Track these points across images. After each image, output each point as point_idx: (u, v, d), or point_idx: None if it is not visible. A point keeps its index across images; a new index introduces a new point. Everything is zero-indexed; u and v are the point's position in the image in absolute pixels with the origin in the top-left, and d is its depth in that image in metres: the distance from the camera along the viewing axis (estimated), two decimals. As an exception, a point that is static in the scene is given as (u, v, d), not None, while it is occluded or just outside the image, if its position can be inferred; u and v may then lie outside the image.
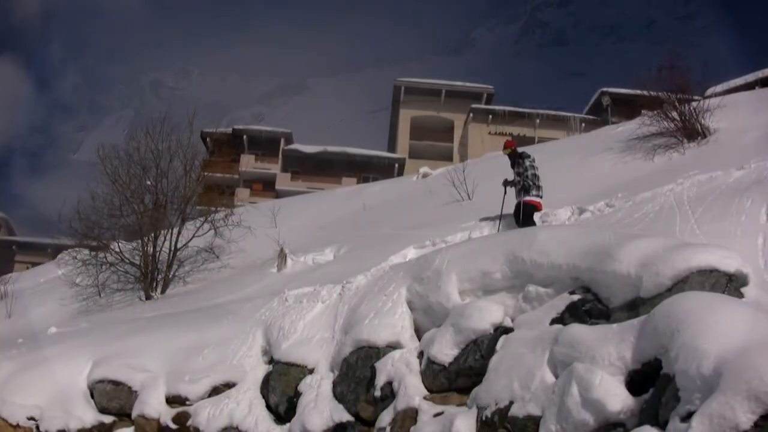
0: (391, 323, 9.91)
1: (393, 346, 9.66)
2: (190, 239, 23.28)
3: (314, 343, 10.71)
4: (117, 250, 22.70)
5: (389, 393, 9.13)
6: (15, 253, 70.03)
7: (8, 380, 11.57)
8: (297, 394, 10.02)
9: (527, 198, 15.26)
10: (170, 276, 22.26)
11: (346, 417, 9.44)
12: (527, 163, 15.62)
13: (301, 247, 19.87)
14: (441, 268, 10.02)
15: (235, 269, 21.56)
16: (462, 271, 9.74)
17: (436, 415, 8.35)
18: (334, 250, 18.50)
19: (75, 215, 22.91)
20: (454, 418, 7.92)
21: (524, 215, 14.93)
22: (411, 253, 14.55)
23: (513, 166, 16.04)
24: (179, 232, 23.33)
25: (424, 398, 8.75)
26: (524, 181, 15.41)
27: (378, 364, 9.49)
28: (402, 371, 9.16)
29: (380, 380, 9.29)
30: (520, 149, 16.55)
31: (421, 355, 9.27)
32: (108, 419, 11.10)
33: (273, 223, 25.50)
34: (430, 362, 8.91)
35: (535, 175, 15.49)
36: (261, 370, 10.90)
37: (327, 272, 15.18)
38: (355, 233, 20.63)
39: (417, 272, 10.44)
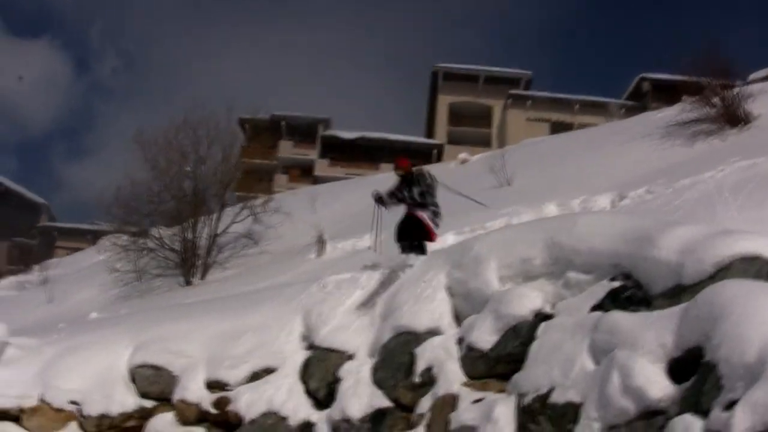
0: (430, 309, 9.89)
1: (432, 332, 9.63)
2: (229, 225, 23.51)
3: (353, 329, 10.72)
4: (157, 236, 22.96)
5: (428, 379, 9.13)
6: (56, 239, 70.97)
7: (50, 365, 11.71)
8: (336, 380, 10.04)
9: (432, 225, 13.35)
10: (209, 262, 22.48)
11: (385, 403, 9.44)
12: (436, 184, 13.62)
13: (339, 233, 19.94)
14: (480, 255, 9.98)
15: (273, 255, 21.70)
16: (501, 257, 9.70)
17: (476, 401, 8.35)
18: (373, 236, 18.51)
19: (114, 201, 23.22)
20: (494, 404, 7.93)
21: (423, 234, 13.27)
22: (450, 239, 14.53)
23: (409, 185, 13.47)
24: (218, 218, 23.53)
25: (464, 384, 8.74)
26: (431, 202, 13.47)
27: (417, 350, 9.48)
28: (441, 357, 9.15)
29: (420, 366, 9.28)
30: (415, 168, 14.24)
31: (460, 341, 9.25)
32: (149, 404, 11.19)
33: (311, 209, 25.57)
34: (470, 348, 8.90)
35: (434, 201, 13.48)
36: (300, 355, 10.90)
37: (366, 258, 15.18)
38: (394, 219, 20.62)
39: (456, 258, 10.41)
